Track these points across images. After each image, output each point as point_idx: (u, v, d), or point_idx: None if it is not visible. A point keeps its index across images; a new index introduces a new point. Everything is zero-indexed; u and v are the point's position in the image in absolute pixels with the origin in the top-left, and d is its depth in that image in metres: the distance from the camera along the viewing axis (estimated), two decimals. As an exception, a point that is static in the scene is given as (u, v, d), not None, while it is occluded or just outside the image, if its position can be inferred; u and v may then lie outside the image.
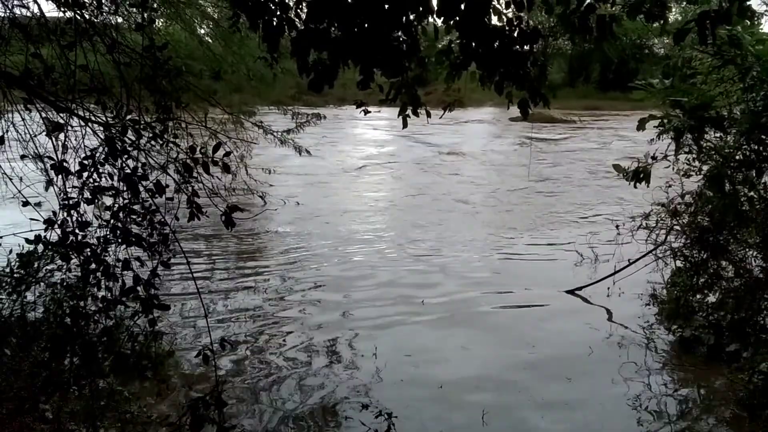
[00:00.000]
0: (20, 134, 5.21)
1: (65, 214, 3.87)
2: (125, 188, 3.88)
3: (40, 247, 4.23)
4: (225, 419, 3.89)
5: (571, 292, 9.31)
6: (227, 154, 3.96)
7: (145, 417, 5.07)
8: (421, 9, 3.65)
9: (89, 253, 3.91)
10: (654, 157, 6.67)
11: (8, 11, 4.51)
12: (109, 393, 4.70)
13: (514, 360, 7.26)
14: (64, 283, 4.47)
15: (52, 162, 3.86)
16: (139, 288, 3.94)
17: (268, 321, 8.27)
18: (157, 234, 4.02)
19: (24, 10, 4.62)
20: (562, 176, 19.48)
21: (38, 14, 4.55)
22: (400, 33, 3.77)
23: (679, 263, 7.66)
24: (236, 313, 8.47)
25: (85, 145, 4.15)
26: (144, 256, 4.09)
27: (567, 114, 35.25)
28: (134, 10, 5.87)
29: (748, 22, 5.91)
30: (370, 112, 4.38)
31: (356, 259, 11.02)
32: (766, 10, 3.94)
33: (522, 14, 3.83)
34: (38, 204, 4.41)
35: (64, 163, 3.86)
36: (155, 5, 7.70)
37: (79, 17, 4.28)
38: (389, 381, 6.69)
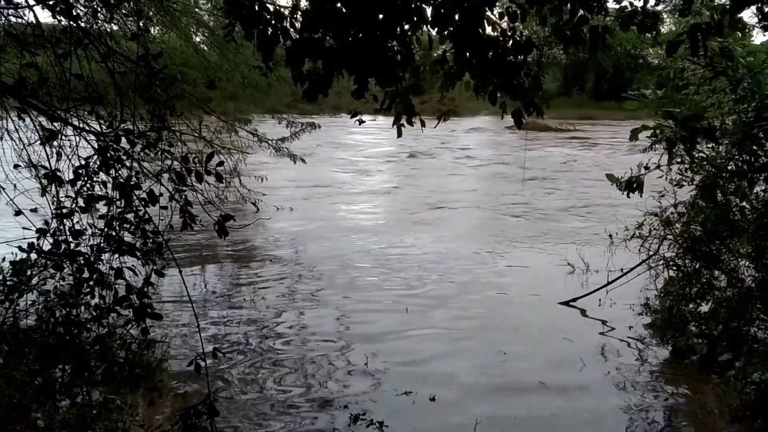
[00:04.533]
0: (14, 142, 5.21)
1: (58, 222, 3.87)
2: (118, 197, 3.88)
3: (34, 256, 4.21)
4: (217, 429, 3.88)
5: (565, 303, 9.29)
6: (220, 163, 3.96)
7: (137, 426, 5.04)
8: (415, 19, 3.67)
9: (82, 262, 3.90)
10: (647, 167, 6.71)
11: (3, 20, 4.51)
12: (101, 402, 4.67)
13: (506, 372, 7.25)
14: (57, 292, 4.46)
15: (46, 171, 3.86)
16: (132, 297, 3.94)
17: (262, 330, 8.25)
18: (151, 243, 4.02)
19: (19, 19, 4.63)
20: (555, 185, 19.54)
21: (33, 23, 4.55)
22: (394, 43, 3.79)
23: (671, 273, 7.68)
24: (229, 323, 8.46)
25: (78, 154, 4.15)
26: (137, 264, 4.08)
27: (562, 123, 35.39)
28: (129, 18, 5.89)
29: (740, 34, 5.96)
30: (365, 121, 4.39)
31: (350, 269, 11.01)
32: (757, 23, 3.97)
33: (515, 25, 3.85)
34: (34, 210, 4.41)
35: (58, 172, 3.86)
36: (151, 14, 7.72)
37: (74, 26, 4.29)
38: (381, 391, 6.68)
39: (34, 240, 3.96)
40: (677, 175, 7.16)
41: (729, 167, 6.55)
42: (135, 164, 4.01)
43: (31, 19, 4.54)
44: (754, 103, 6.01)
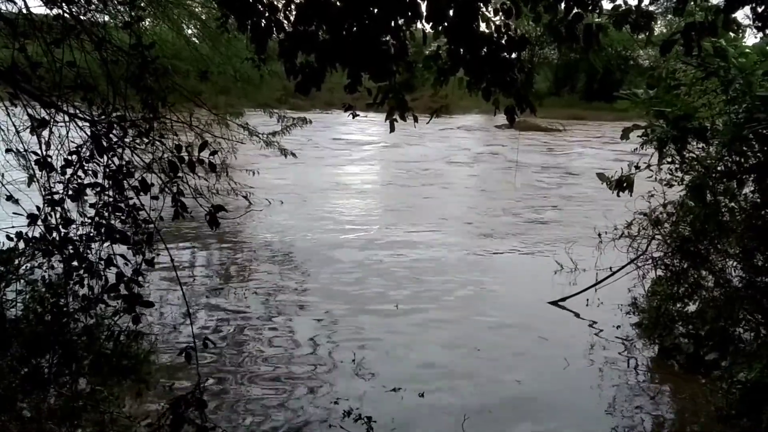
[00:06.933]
0: (4, 130, 5.17)
1: (48, 210, 3.84)
2: (110, 185, 3.86)
3: (21, 244, 4.18)
4: (205, 420, 3.87)
5: (554, 303, 9.31)
6: (213, 153, 3.94)
7: (124, 417, 5.02)
8: (409, 14, 3.66)
9: (72, 251, 3.88)
10: (637, 167, 6.73)
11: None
12: (88, 393, 4.65)
13: (494, 370, 7.28)
14: (45, 281, 4.43)
15: (37, 158, 3.83)
16: (121, 287, 3.92)
17: (251, 323, 8.24)
18: (141, 232, 4.00)
19: (10, 5, 4.58)
20: (544, 184, 19.59)
21: (24, 11, 4.51)
22: (388, 37, 3.78)
23: (659, 272, 7.71)
24: (219, 314, 8.44)
25: (71, 141, 4.12)
26: (127, 254, 4.06)
27: (552, 123, 35.44)
28: (122, 8, 5.86)
29: (732, 35, 5.99)
30: (357, 115, 4.38)
31: (339, 264, 11.00)
32: (749, 24, 3.98)
33: (509, 22, 3.86)
34: (16, 201, 4.37)
35: (48, 159, 3.83)
36: (143, 4, 7.68)
37: (66, 14, 4.26)
38: (370, 387, 6.68)
39: (23, 228, 3.94)
40: (667, 174, 7.19)
41: (719, 168, 6.58)
42: (127, 152, 3.98)
43: (22, 5, 4.50)
44: (745, 104, 6.03)
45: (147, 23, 9.34)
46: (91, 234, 3.93)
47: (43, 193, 3.91)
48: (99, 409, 4.72)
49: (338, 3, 3.61)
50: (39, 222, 3.82)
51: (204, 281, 9.95)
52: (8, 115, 4.78)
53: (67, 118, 4.01)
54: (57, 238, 3.86)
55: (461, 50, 3.85)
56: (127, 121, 3.91)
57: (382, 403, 6.34)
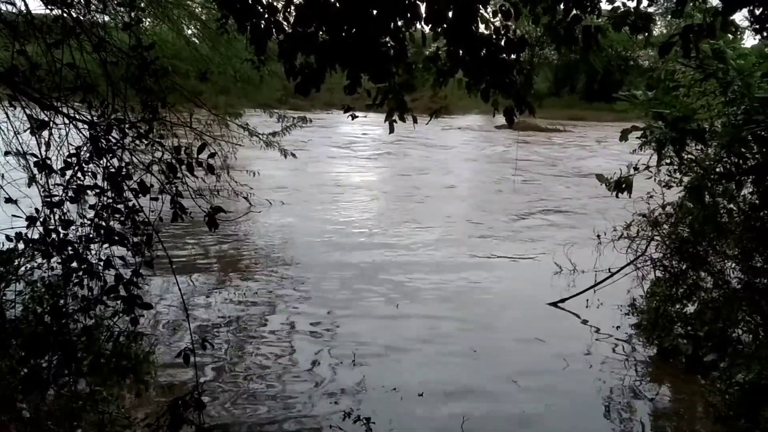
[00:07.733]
0: (3, 131, 5.18)
1: (48, 211, 3.85)
2: (109, 187, 3.86)
3: (21, 245, 4.18)
4: (204, 421, 3.88)
5: (553, 304, 9.31)
6: (212, 155, 3.95)
7: (123, 418, 5.03)
8: (409, 15, 3.67)
9: (71, 252, 3.88)
10: (636, 168, 6.74)
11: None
12: (88, 393, 4.66)
13: (494, 371, 7.27)
14: (45, 282, 4.44)
15: (36, 159, 3.83)
16: (120, 288, 3.93)
17: (250, 324, 8.23)
18: (140, 234, 4.00)
19: (10, 7, 4.59)
20: (544, 185, 19.58)
21: (24, 11, 4.51)
22: (387, 38, 3.79)
23: (658, 273, 7.72)
24: (218, 316, 8.43)
25: (69, 143, 4.13)
26: (126, 255, 4.07)
27: (552, 123, 35.46)
28: (122, 9, 5.86)
29: (731, 37, 6.00)
30: (357, 116, 4.39)
31: (339, 264, 10.99)
32: (747, 26, 4.00)
33: (509, 23, 3.87)
34: (15, 201, 4.38)
35: (48, 161, 3.84)
36: (143, 5, 7.68)
37: (66, 15, 4.27)
38: (369, 388, 6.68)
39: (22, 229, 3.94)
40: (666, 176, 7.21)
41: (717, 169, 6.59)
42: (126, 154, 3.99)
43: (23, 7, 4.51)
44: (744, 106, 6.04)
45: (147, 24, 9.33)
46: (91, 235, 3.94)
47: (43, 194, 3.92)
48: (98, 409, 4.73)
49: (338, 4, 3.62)
50: (38, 223, 3.83)
51: (204, 282, 9.94)
52: (7, 116, 4.79)
53: (66, 120, 4.02)
54: (56, 240, 3.86)
55: (460, 51, 3.87)
56: (126, 123, 3.92)
57: (381, 404, 6.34)
